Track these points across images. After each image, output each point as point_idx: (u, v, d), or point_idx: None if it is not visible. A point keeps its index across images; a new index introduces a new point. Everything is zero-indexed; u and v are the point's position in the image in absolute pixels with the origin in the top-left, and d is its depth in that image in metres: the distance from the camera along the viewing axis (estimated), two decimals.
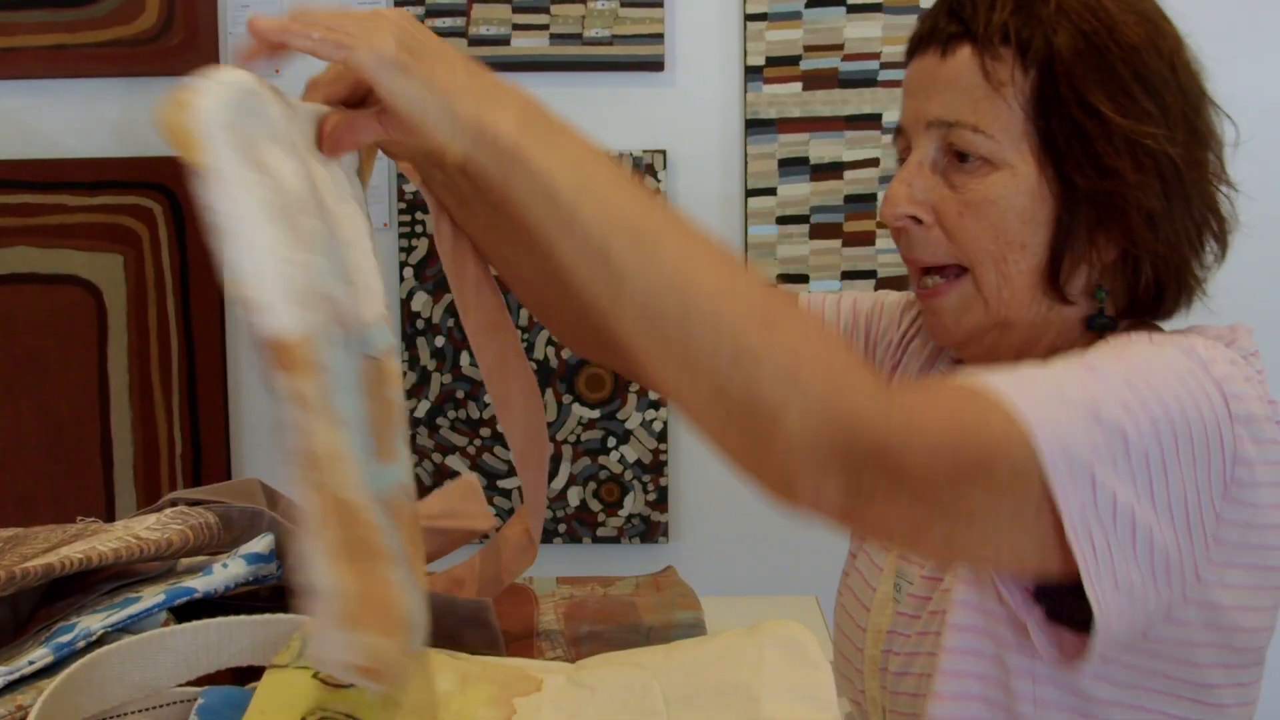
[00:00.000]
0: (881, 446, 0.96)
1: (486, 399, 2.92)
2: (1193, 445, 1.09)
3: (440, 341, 2.97)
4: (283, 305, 0.96)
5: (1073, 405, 1.04)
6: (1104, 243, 1.27)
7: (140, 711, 1.21)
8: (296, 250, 0.98)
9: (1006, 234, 1.27)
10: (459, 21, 2.89)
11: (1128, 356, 1.13)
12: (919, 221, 1.31)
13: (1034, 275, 1.28)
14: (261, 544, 1.40)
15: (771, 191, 2.89)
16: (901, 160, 1.36)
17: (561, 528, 2.99)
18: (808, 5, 2.87)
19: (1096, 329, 1.30)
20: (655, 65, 2.88)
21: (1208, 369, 1.13)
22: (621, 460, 2.95)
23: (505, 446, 2.91)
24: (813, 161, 2.90)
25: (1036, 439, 1.01)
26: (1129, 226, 1.25)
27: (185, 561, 1.46)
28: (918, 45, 1.33)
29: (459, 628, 1.42)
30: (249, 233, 0.96)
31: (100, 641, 1.25)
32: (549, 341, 2.90)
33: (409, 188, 2.94)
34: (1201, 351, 1.14)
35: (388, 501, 1.03)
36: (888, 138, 2.87)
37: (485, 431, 2.95)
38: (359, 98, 1.14)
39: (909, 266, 1.37)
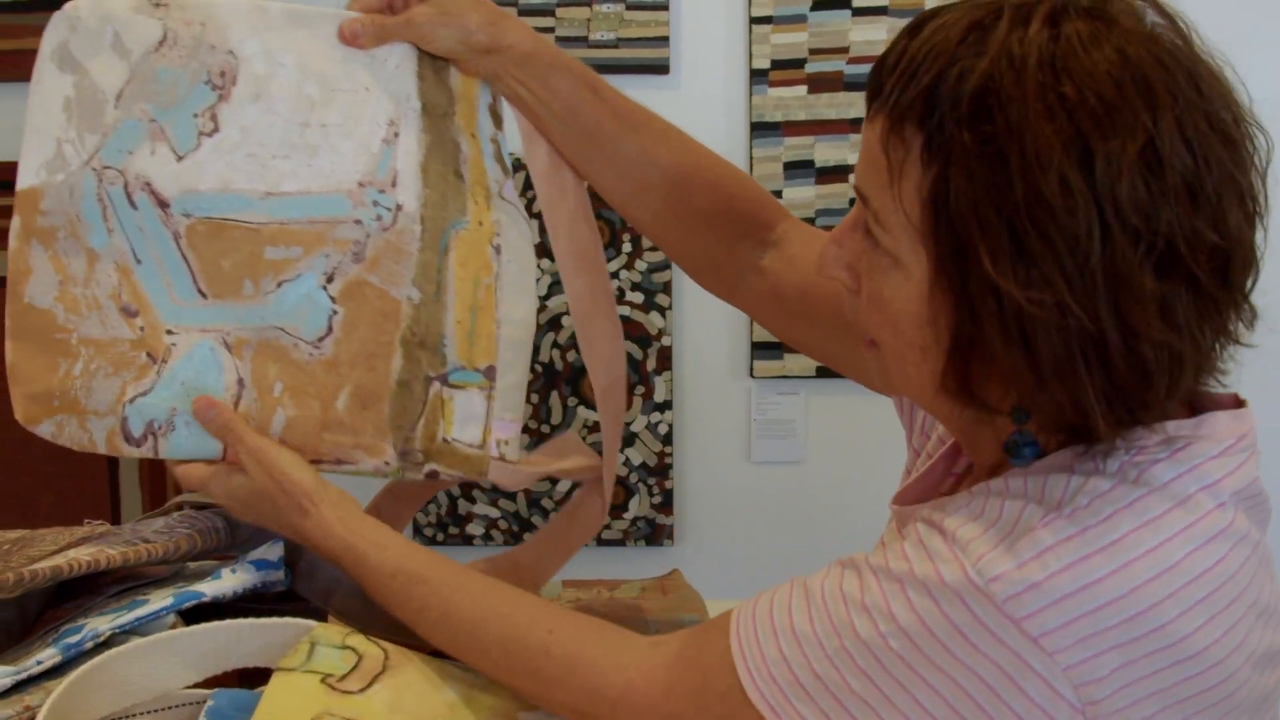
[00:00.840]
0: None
1: None
2: (977, 688, 1.02)
3: None
4: (29, 169, 1.37)
5: (797, 668, 1.09)
6: (998, 377, 1.07)
7: (149, 713, 1.21)
8: (70, 131, 1.38)
9: (904, 335, 1.11)
10: None
11: (869, 597, 1.07)
12: (848, 286, 1.18)
13: (938, 379, 1.10)
14: (271, 551, 1.40)
15: (777, 194, 2.89)
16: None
17: None
18: (813, 8, 2.87)
19: (1012, 453, 1.10)
20: (660, 68, 2.88)
21: (970, 596, 1.01)
22: (627, 463, 2.95)
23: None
24: (818, 164, 2.90)
25: (739, 671, 1.12)
26: (1013, 375, 1.05)
27: (194, 564, 1.46)
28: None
29: None
30: (33, 119, 1.38)
31: (108, 643, 1.25)
32: (554, 344, 2.91)
33: None
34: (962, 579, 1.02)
35: (225, 332, 1.40)
36: None
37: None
38: (393, 8, 1.43)
39: None
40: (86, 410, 1.39)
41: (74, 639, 1.25)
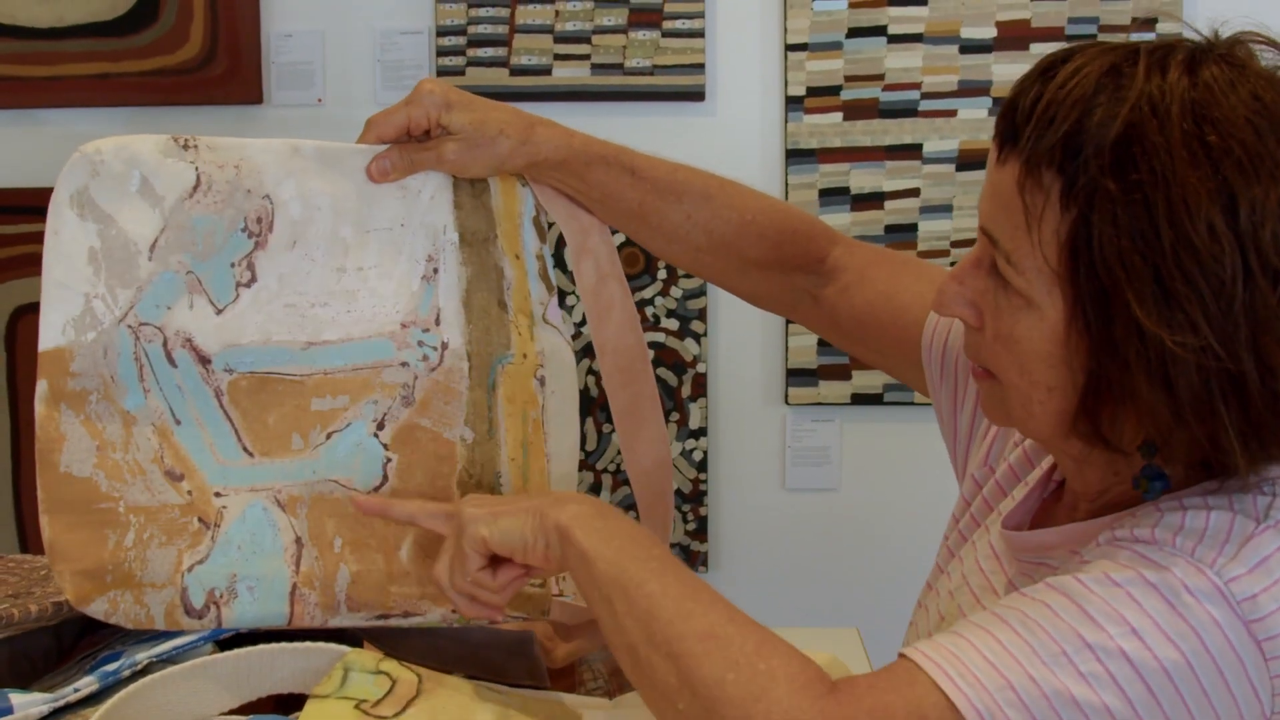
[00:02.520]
0: None
1: None
2: (1192, 687, 1.01)
3: None
4: (53, 327, 1.29)
5: (1010, 674, 1.02)
6: (1134, 415, 1.09)
7: None
8: (99, 285, 1.30)
9: (1031, 374, 1.13)
10: (501, 52, 2.90)
11: (1090, 606, 1.04)
12: (968, 321, 1.19)
13: (1064, 418, 1.13)
14: None
15: None
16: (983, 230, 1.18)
17: None
18: (848, 35, 2.88)
19: (1144, 488, 1.13)
20: (696, 95, 2.89)
21: (1210, 599, 1.01)
22: None
23: None
24: (853, 191, 2.90)
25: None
26: (1152, 413, 1.06)
27: None
28: (995, 129, 1.15)
29: (503, 659, 1.42)
30: (54, 272, 1.30)
31: (145, 671, 1.25)
32: (590, 370, 2.91)
33: None
34: (1190, 581, 1.02)
35: (275, 489, 1.34)
36: (929, 168, 2.87)
37: None
38: (411, 135, 1.39)
39: None
40: (143, 584, 1.30)
41: (111, 666, 1.25)
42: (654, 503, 1.56)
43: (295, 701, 1.21)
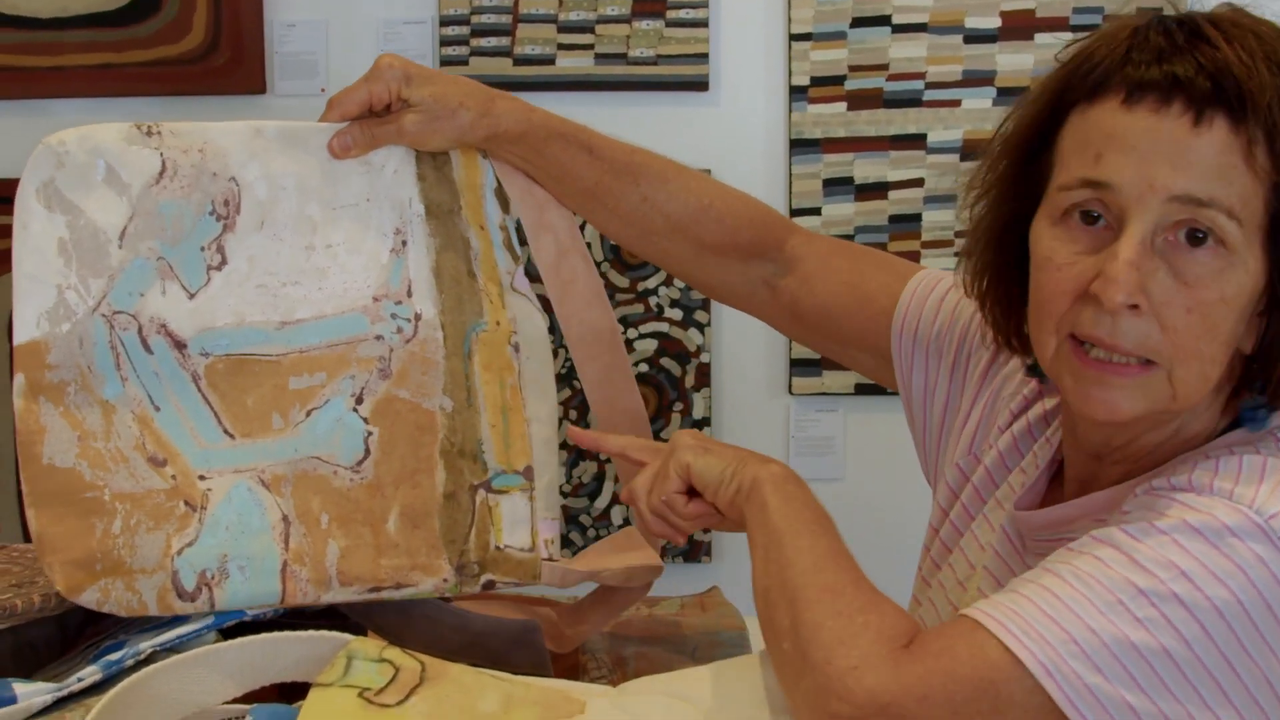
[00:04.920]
0: (892, 713, 1.08)
1: None
2: (1244, 623, 1.04)
3: None
4: (26, 321, 1.30)
5: (1070, 626, 1.05)
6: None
7: None
8: (70, 275, 1.31)
9: (1224, 335, 1.13)
10: (504, 41, 2.90)
11: (1139, 555, 1.06)
12: (1136, 307, 1.13)
13: (1228, 371, 1.17)
14: None
15: (816, 211, 2.89)
16: (1083, 213, 1.17)
17: None
18: (852, 25, 2.87)
19: (1249, 420, 1.19)
20: (700, 85, 2.88)
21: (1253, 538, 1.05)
22: None
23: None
24: (857, 181, 2.90)
25: (1035, 674, 1.04)
26: None
27: None
28: (1144, 91, 1.13)
29: (506, 648, 1.42)
30: (24, 265, 1.30)
31: (149, 660, 1.25)
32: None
33: None
34: (1234, 521, 1.06)
35: (259, 470, 1.35)
36: (933, 158, 2.86)
37: None
38: (372, 111, 1.43)
39: (1084, 338, 1.18)
40: (134, 570, 1.30)
41: (115, 656, 1.25)
42: (633, 476, 1.56)
43: (299, 690, 1.21)
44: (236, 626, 1.32)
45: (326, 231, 1.40)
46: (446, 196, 1.44)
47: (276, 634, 1.23)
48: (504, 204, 1.48)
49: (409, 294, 1.41)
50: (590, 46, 2.88)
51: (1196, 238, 1.11)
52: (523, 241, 1.49)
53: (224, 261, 1.36)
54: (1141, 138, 1.12)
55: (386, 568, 1.37)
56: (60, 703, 1.21)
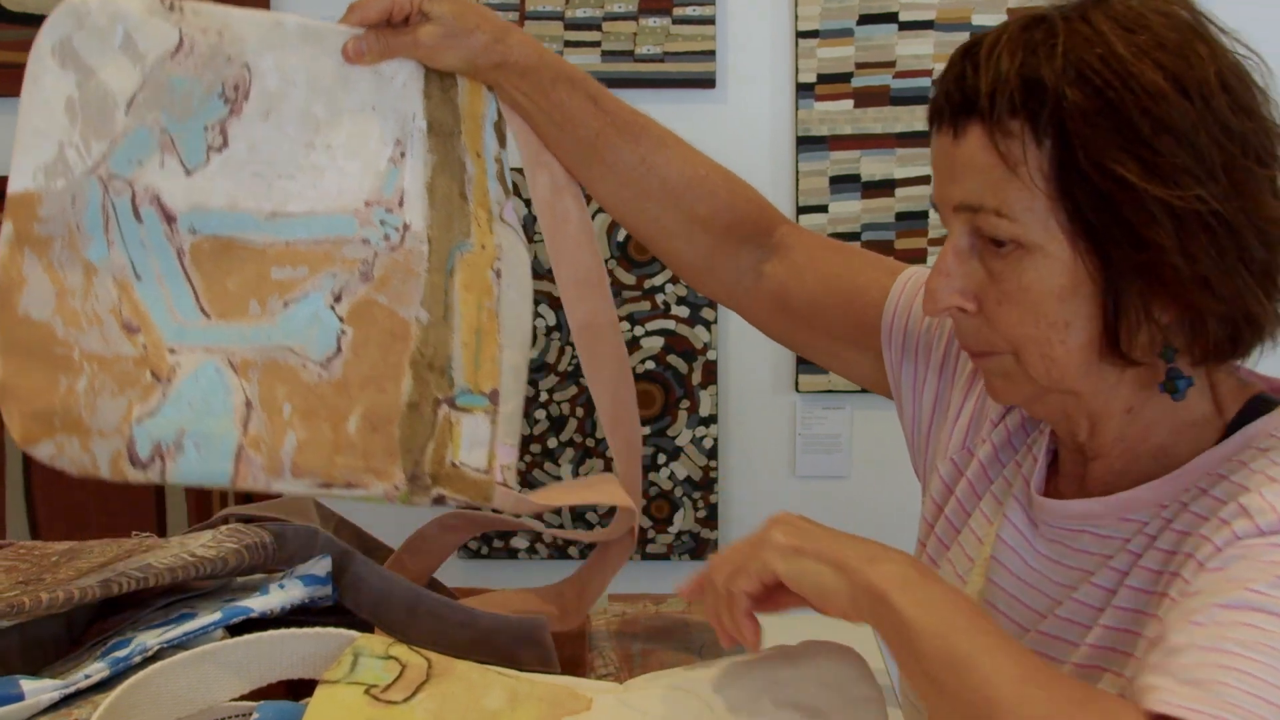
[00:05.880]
0: None
1: (537, 415, 2.92)
2: None
3: None
4: (23, 172, 1.29)
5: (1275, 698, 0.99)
6: (1159, 307, 1.18)
7: None
8: (74, 134, 1.30)
9: (1047, 317, 1.20)
10: None
11: None
12: (964, 310, 1.26)
13: (1086, 350, 1.21)
14: (319, 566, 1.40)
15: (823, 209, 2.89)
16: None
17: None
18: (859, 22, 2.87)
19: (1170, 391, 1.22)
20: (706, 82, 2.88)
21: None
22: (671, 477, 2.95)
23: (555, 463, 2.91)
24: (864, 179, 2.89)
25: None
26: (1181, 293, 1.15)
27: (241, 578, 1.46)
28: (933, 120, 1.26)
29: (513, 646, 1.42)
30: (30, 119, 1.30)
31: (156, 657, 1.25)
32: None
33: None
34: None
35: (229, 352, 1.36)
36: None
37: (535, 448, 2.95)
38: (391, 21, 1.42)
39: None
40: (91, 430, 1.31)
41: (122, 653, 1.25)
42: (619, 414, 1.60)
43: (305, 687, 1.21)
44: (244, 623, 1.33)
45: (328, 132, 1.41)
46: (449, 118, 1.46)
47: (283, 631, 1.24)
48: (500, 138, 1.50)
49: (400, 204, 1.43)
50: (597, 44, 2.88)
51: (993, 238, 1.21)
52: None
53: (225, 144, 1.38)
54: (937, 160, 1.26)
55: (340, 466, 1.38)
56: (68, 700, 1.21)
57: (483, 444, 1.43)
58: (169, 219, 1.36)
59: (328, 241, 1.40)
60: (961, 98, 1.21)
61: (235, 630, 1.31)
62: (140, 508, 3.02)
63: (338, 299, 1.40)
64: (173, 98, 1.35)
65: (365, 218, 1.41)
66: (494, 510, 1.47)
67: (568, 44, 2.87)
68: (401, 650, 1.23)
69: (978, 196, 1.20)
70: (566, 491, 1.56)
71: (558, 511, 2.93)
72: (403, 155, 1.43)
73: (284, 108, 1.40)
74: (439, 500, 1.42)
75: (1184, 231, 1.13)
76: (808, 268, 1.58)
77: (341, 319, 1.40)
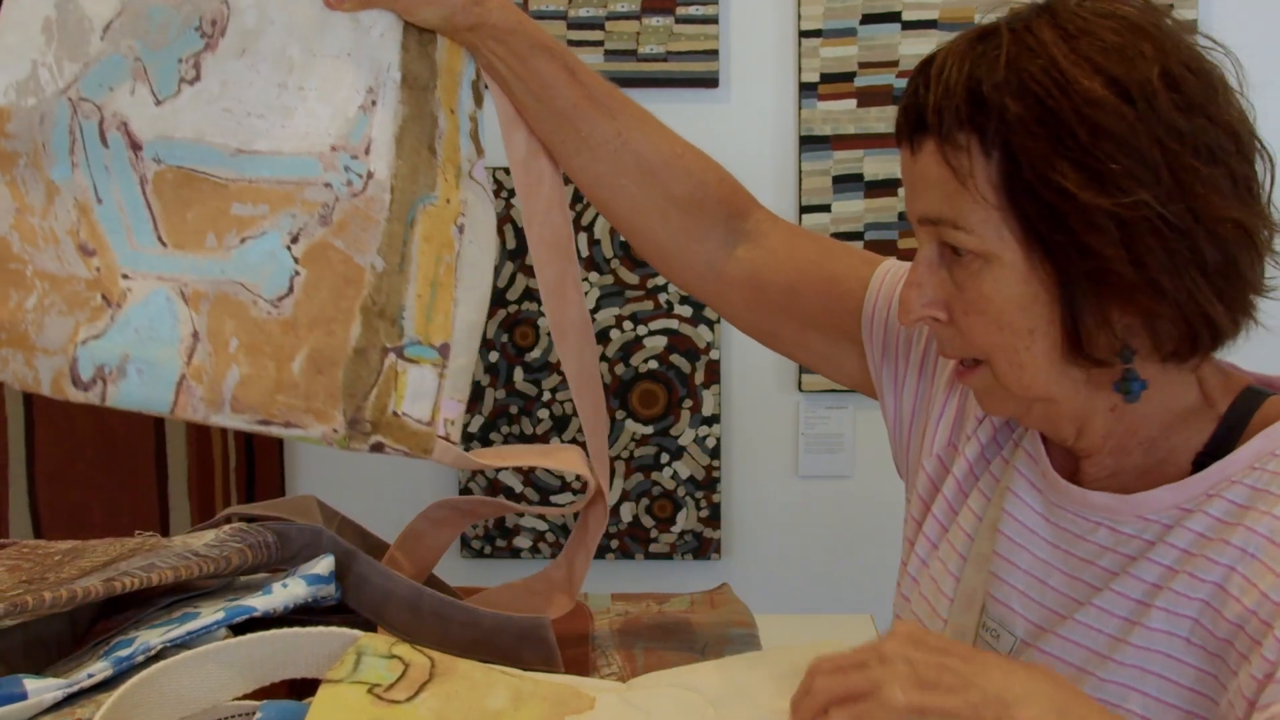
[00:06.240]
0: None
1: (540, 414, 2.92)
2: None
3: (494, 357, 2.98)
4: None
5: None
6: (1116, 311, 1.19)
7: None
8: (49, 55, 1.29)
9: (1010, 325, 1.23)
10: None
11: None
12: (937, 320, 1.29)
13: (1050, 355, 1.23)
14: (322, 565, 1.40)
15: (826, 208, 2.89)
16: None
17: (614, 544, 2.99)
18: (862, 22, 2.87)
19: (1125, 390, 1.24)
20: (710, 82, 2.88)
21: None
22: (674, 476, 2.95)
23: None
24: (867, 178, 2.90)
25: None
26: (1133, 297, 1.17)
27: (244, 577, 1.46)
28: (896, 135, 1.29)
29: (516, 645, 1.42)
30: (6, 36, 1.28)
31: (159, 656, 1.25)
32: (602, 356, 2.91)
33: None
34: None
35: (182, 282, 1.35)
36: None
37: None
38: None
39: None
40: (36, 347, 1.31)
41: (125, 652, 1.25)
42: (584, 378, 1.59)
43: (308, 686, 1.21)
44: (247, 622, 1.33)
45: (302, 74, 1.41)
46: (425, 72, 1.46)
47: (287, 630, 1.24)
48: (477, 97, 1.49)
49: (366, 151, 1.42)
50: (600, 43, 2.88)
51: (954, 248, 1.24)
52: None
53: (198, 78, 1.37)
54: (903, 174, 1.29)
55: (281, 404, 1.38)
56: (71, 699, 1.21)
57: (428, 396, 1.43)
58: (135, 146, 1.35)
59: (290, 182, 1.40)
60: (915, 114, 1.24)
61: (238, 629, 1.31)
62: (143, 507, 3.03)
63: (295, 240, 1.40)
64: (149, 27, 1.35)
65: (330, 162, 1.41)
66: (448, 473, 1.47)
67: (571, 43, 2.88)
68: (405, 649, 1.23)
69: (936, 210, 1.24)
70: (518, 454, 1.55)
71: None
72: (374, 104, 1.43)
73: (259, 46, 1.39)
74: (377, 448, 1.41)
75: (1130, 238, 1.15)
76: (783, 252, 1.57)
77: (297, 259, 1.39)
